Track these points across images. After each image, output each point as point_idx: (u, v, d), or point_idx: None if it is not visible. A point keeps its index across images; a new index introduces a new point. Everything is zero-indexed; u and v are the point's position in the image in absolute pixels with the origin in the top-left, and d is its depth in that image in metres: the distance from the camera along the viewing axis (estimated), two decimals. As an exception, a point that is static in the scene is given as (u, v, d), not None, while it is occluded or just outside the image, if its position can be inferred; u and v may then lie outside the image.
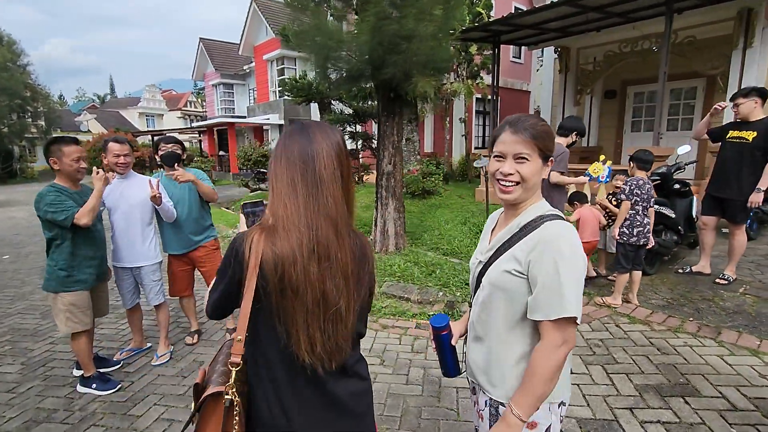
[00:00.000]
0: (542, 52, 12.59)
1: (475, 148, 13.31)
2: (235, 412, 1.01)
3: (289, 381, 1.05)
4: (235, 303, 1.08)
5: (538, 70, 17.48)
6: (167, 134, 12.18)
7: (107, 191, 2.98)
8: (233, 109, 25.25)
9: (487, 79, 11.66)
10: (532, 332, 1.17)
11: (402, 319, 3.91)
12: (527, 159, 1.16)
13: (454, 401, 2.66)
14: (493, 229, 1.35)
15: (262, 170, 12.69)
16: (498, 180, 1.22)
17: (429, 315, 3.89)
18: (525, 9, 7.01)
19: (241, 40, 21.39)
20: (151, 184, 2.97)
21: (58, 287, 2.69)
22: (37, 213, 2.59)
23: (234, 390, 1.02)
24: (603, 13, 6.62)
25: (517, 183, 1.18)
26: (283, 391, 1.05)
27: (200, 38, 24.74)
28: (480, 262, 1.29)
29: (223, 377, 1.06)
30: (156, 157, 3.38)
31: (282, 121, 19.25)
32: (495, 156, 1.23)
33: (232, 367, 1.04)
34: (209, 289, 1.15)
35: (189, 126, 36.39)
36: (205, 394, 1.04)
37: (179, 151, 3.26)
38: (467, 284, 4.30)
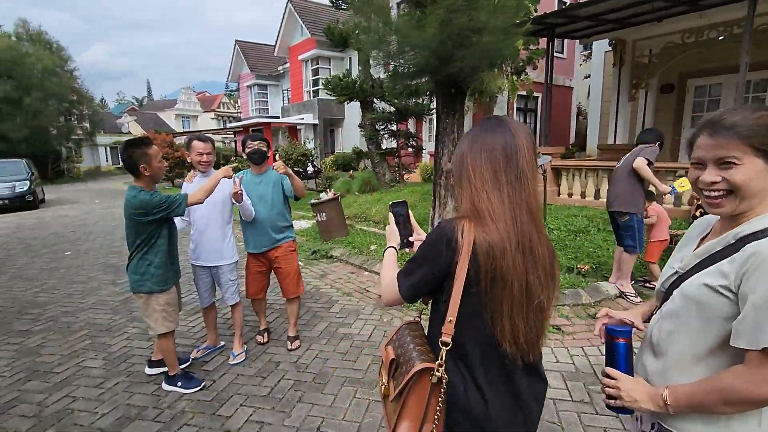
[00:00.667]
0: (591, 45, 12.15)
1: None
2: (441, 389, 1.06)
3: (486, 369, 1.08)
4: (433, 287, 1.11)
5: (581, 65, 16.94)
6: (206, 133, 12.31)
7: (189, 190, 3.00)
8: (267, 109, 25.67)
9: (532, 75, 11.35)
10: (726, 368, 0.96)
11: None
12: (736, 162, 0.96)
13: (554, 414, 2.49)
14: (703, 237, 1.16)
15: (298, 170, 12.79)
16: (702, 191, 1.03)
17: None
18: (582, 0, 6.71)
19: (276, 41, 21.68)
20: (235, 180, 2.94)
21: (153, 287, 2.68)
22: (135, 216, 2.54)
23: (443, 368, 1.05)
24: (670, 0, 6.24)
25: (729, 192, 0.98)
26: (480, 378, 1.07)
27: (236, 40, 25.26)
28: (675, 271, 1.12)
29: (424, 355, 1.10)
30: (243, 155, 3.41)
31: (316, 121, 19.38)
32: (693, 163, 1.06)
33: (443, 346, 1.06)
34: (390, 274, 1.20)
35: (223, 127, 37.29)
36: (416, 368, 1.07)
37: (265, 149, 3.25)
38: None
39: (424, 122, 14.19)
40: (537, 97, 14.37)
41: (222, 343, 3.49)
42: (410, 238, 1.37)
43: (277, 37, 21.43)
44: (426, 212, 7.93)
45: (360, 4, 4.45)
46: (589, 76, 15.53)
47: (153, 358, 3.06)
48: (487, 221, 1.03)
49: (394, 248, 1.34)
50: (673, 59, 8.20)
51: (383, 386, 1.20)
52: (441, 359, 1.06)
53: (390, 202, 1.44)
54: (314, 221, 8.15)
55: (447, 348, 1.06)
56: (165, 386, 2.84)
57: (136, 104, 59.49)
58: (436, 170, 5.26)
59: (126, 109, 48.65)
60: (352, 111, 19.13)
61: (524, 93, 11.88)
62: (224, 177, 2.72)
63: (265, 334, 3.53)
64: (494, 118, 1.13)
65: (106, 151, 37.70)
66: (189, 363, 3.15)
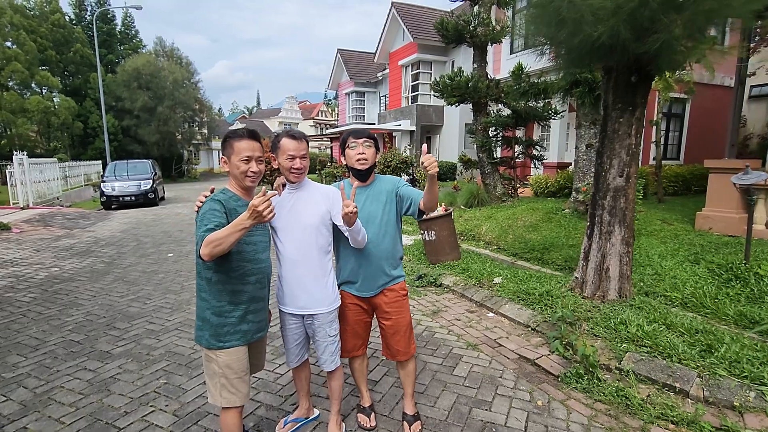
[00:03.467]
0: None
1: (664, 158, 10.67)
2: None
3: None
4: None
5: (749, 59, 13.71)
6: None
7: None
8: (363, 116, 25.74)
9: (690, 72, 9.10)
10: None
11: (695, 435, 2.34)
12: None
13: None
14: None
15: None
16: None
17: (744, 435, 2.27)
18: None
19: (377, 48, 21.51)
20: (344, 193, 2.00)
21: (211, 341, 1.89)
22: None
23: None
24: None
25: None
26: None
27: (338, 49, 25.78)
28: None
29: None
30: (341, 160, 2.47)
31: (413, 127, 18.62)
32: None
33: None
34: None
35: (321, 133, 38.72)
36: None
37: (374, 154, 2.29)
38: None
39: (536, 128, 12.50)
40: (683, 101, 11.78)
41: (317, 412, 2.58)
42: None
43: (378, 43, 21.25)
44: (552, 236, 6.46)
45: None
46: (754, 74, 12.41)
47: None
48: None
49: None
50: None
51: None
52: None
53: None
54: (417, 238, 7.18)
55: None
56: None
57: (247, 113, 65.31)
58: (598, 187, 3.88)
59: (238, 118, 53.52)
60: (452, 117, 18.01)
61: (680, 95, 9.62)
62: (251, 218, 1.60)
63: (372, 416, 2.52)
64: None
65: (219, 155, 41.67)
66: (272, 448, 2.28)
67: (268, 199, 1.58)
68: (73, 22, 28.63)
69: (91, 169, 20.99)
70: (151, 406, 2.70)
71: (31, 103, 22.20)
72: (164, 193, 17.47)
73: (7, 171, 12.89)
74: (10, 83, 22.77)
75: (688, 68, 8.21)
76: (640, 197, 6.36)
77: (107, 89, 24.89)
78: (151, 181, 14.86)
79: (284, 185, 2.21)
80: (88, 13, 29.38)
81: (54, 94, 25.51)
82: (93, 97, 26.27)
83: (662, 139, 11.55)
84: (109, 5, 29.80)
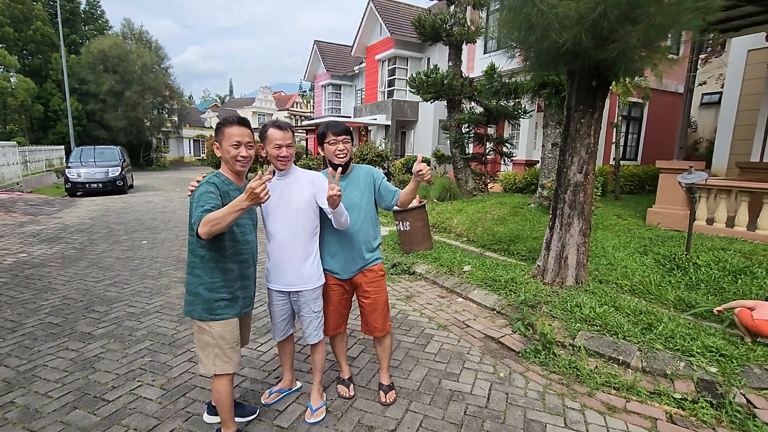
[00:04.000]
0: (723, 44, 10.30)
1: (622, 159, 11.34)
2: None
3: None
4: None
5: (700, 69, 14.65)
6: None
7: None
8: (339, 109, 25.69)
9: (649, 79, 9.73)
10: None
11: (633, 398, 2.70)
12: None
13: None
14: None
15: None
16: None
17: (673, 397, 2.64)
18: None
19: (354, 41, 21.49)
20: (330, 178, 2.19)
21: (204, 314, 2.06)
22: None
23: None
24: None
25: None
26: None
27: (315, 41, 25.55)
28: None
29: None
30: (320, 151, 2.61)
31: (389, 122, 18.81)
32: None
33: None
34: None
35: (296, 125, 38.29)
36: None
37: (349, 148, 2.49)
38: (722, 355, 2.95)
39: (506, 126, 12.97)
40: (641, 105, 12.51)
41: (299, 384, 2.78)
42: None
43: (356, 37, 21.24)
44: (518, 228, 6.85)
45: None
46: (704, 83, 13.34)
47: (212, 403, 2.41)
48: None
49: None
50: None
51: None
52: None
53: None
54: (392, 228, 7.42)
55: None
56: (221, 450, 2.16)
57: (219, 102, 63.56)
58: (560, 182, 4.22)
59: (209, 106, 52.05)
60: (426, 113, 18.32)
61: (636, 100, 10.25)
62: (248, 199, 1.76)
63: (351, 386, 2.75)
64: None
65: (189, 144, 40.54)
66: (256, 414, 2.46)
67: (264, 183, 1.76)
68: (33, -2, 27.03)
69: (53, 154, 20.05)
70: (138, 381, 2.82)
71: (-14, 83, 20.92)
72: (133, 181, 16.97)
73: (-39, 154, 12.23)
74: (-38, 60, 21.38)
75: (646, 75, 8.81)
76: (599, 194, 6.83)
77: (71, 71, 23.71)
78: (119, 168, 14.42)
79: (273, 173, 2.38)
80: (50, -11, 27.81)
81: (11, 73, 24.07)
82: (55, 78, 24.99)
83: (622, 141, 12.28)
84: (73, -18, 28.31)
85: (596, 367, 3.05)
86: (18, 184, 13.82)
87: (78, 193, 13.63)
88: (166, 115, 32.21)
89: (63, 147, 21.48)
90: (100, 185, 13.77)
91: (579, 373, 2.96)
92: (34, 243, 6.81)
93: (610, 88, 4.05)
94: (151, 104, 29.32)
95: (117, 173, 14.17)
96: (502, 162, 9.80)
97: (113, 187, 14.00)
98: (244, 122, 2.13)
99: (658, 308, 3.87)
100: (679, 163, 6.19)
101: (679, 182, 4.79)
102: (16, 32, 23.98)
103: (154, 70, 28.76)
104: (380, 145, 16.14)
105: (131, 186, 16.17)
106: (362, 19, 20.42)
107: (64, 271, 5.29)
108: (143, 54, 27.54)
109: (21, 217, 9.08)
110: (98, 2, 31.49)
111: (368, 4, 19.75)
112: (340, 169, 2.31)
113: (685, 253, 4.83)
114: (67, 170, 13.84)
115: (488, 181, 9.67)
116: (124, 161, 15.47)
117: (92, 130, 26.59)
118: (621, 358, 3.08)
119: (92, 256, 6.09)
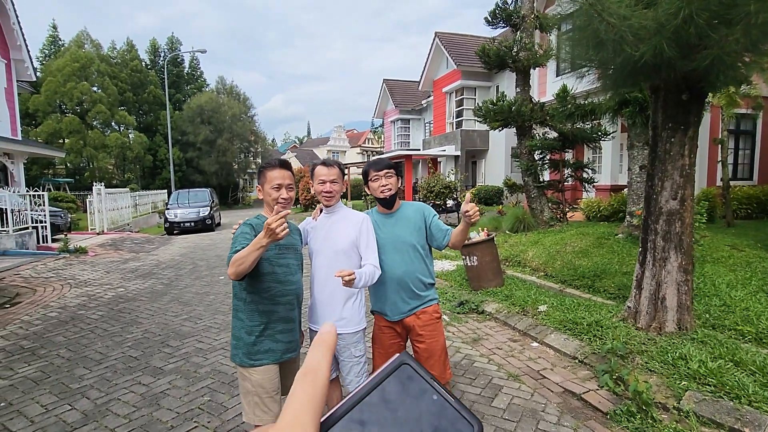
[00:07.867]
0: None
1: (734, 179, 9.84)
2: None
3: None
4: None
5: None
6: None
7: (311, 230, 2.35)
8: (408, 142, 26.12)
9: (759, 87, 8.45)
10: None
11: (770, 490, 2.07)
12: None
13: None
14: None
15: (438, 203, 11.95)
16: None
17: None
18: None
19: (421, 76, 21.98)
20: (318, 212, 2.18)
21: (244, 359, 1.98)
22: None
23: None
24: None
25: None
26: None
27: (384, 79, 26.63)
28: None
29: None
30: (366, 189, 2.54)
31: (458, 152, 18.59)
32: None
33: None
34: None
35: (366, 160, 39.68)
36: None
37: (395, 184, 2.39)
38: None
39: (585, 150, 12.03)
40: (753, 116, 10.86)
41: (349, 437, 2.57)
42: None
43: (423, 72, 21.72)
44: (604, 262, 6.09)
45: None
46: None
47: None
48: None
49: None
50: None
51: None
52: None
53: None
54: (459, 263, 7.06)
55: None
56: None
57: (298, 142, 68.55)
58: (650, 210, 3.66)
59: (289, 147, 56.25)
60: (497, 142, 17.82)
61: (745, 111, 8.93)
62: (267, 237, 1.68)
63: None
64: None
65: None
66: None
67: (281, 218, 1.68)
68: (148, 66, 32.03)
69: (157, 197, 22.85)
70: (194, 421, 2.83)
71: (111, 140, 24.87)
72: (221, 219, 18.58)
73: (87, 200, 14.38)
74: (95, 123, 25.74)
75: (754, 81, 7.64)
76: (704, 221, 5.86)
77: (174, 125, 27.35)
78: (209, 208, 15.90)
79: (321, 210, 2.35)
80: (161, 58, 32.76)
81: (130, 131, 28.43)
82: (162, 132, 28.94)
83: (730, 158, 10.69)
84: (180, 50, 33.09)
85: (713, 441, 2.43)
86: (128, 224, 15.82)
87: (175, 232, 15.20)
88: (251, 158, 35.36)
89: (165, 191, 24.42)
90: (192, 224, 15.24)
91: (689, 447, 2.38)
92: (132, 278, 7.58)
93: (707, 100, 3.48)
94: (238, 149, 32.52)
95: (206, 213, 15.62)
96: (583, 188, 9.01)
97: (203, 226, 15.42)
98: (285, 165, 2.11)
99: (797, 365, 3.07)
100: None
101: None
102: (134, 96, 28.44)
103: (242, 118, 32.03)
104: (448, 176, 15.93)
105: (218, 224, 17.68)
106: (428, 54, 20.90)
107: (150, 305, 5.75)
108: (233, 105, 30.91)
109: (126, 254, 10.26)
110: (198, 65, 36.31)
111: (434, 39, 20.22)
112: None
113: (829, 293, 3.86)
114: (166, 211, 15.59)
115: (567, 209, 8.90)
116: (213, 201, 17.06)
117: (190, 175, 30.05)
118: (747, 430, 2.43)
119: (176, 291, 6.58)
